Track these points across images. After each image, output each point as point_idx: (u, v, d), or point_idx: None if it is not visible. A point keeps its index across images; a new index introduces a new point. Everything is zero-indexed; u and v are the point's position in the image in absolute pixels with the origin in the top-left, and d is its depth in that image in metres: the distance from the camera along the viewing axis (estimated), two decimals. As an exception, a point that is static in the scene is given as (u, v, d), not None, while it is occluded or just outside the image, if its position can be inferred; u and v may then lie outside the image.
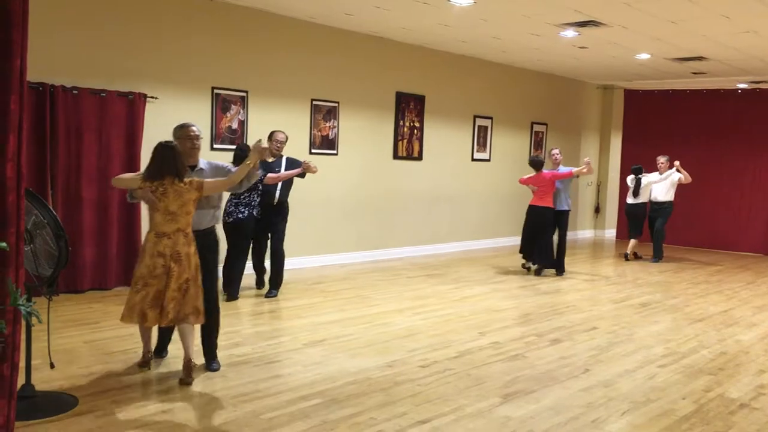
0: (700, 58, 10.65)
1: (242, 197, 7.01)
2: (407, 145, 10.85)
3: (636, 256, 11.61)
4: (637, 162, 12.18)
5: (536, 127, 13.43)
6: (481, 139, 12.21)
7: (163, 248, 4.50)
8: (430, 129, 11.18)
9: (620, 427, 4.17)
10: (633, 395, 4.73)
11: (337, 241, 9.93)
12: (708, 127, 13.51)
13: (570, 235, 13.64)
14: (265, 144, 5.04)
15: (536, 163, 9.72)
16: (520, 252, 9.89)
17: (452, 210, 11.76)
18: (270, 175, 7.11)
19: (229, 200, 7.04)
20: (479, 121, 12.11)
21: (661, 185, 11.27)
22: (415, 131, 10.95)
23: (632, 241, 11.43)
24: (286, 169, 7.27)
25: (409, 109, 10.80)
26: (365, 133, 10.17)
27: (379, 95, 10.36)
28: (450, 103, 11.49)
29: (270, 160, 7.20)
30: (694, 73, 12.23)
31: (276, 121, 8.75)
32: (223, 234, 6.57)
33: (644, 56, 10.76)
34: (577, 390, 4.79)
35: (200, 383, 4.63)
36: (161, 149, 4.56)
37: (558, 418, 4.23)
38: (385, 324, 6.49)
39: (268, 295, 7.41)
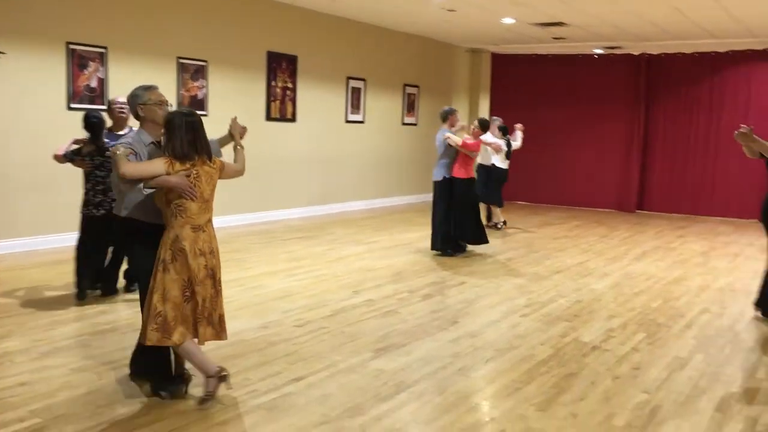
0: (560, 24, 11.16)
1: (109, 180, 5.49)
2: (280, 107, 10.70)
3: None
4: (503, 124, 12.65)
5: (408, 90, 13.63)
6: (355, 101, 12.25)
7: (203, 244, 3.69)
8: (304, 90, 11.08)
9: (484, 373, 4.41)
10: (497, 343, 5.01)
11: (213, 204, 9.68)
12: (567, 90, 14.26)
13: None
14: (237, 123, 4.19)
15: (485, 124, 8.79)
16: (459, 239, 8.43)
17: (327, 172, 11.77)
18: None
19: (91, 188, 5.67)
20: (352, 83, 12.12)
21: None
22: (288, 92, 10.81)
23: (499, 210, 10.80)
24: None
25: (281, 70, 10.63)
26: (236, 94, 9.92)
27: (249, 55, 10.11)
28: (323, 64, 11.41)
29: (120, 132, 5.84)
30: (555, 38, 12.82)
31: (139, 80, 8.22)
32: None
33: (509, 21, 11.14)
34: (446, 341, 5.01)
35: (74, 350, 4.43)
36: (190, 120, 3.64)
37: (427, 368, 4.42)
38: (259, 286, 6.46)
39: (129, 290, 5.99)
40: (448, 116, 8.33)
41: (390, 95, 13.16)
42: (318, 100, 11.39)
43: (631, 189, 13.85)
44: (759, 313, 5.94)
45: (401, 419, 3.65)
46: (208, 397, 3.70)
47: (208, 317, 3.72)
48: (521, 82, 14.70)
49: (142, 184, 3.62)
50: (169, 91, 8.87)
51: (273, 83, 10.51)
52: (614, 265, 8.11)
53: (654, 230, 11.23)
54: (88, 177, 5.68)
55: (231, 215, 9.97)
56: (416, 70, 13.79)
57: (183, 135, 3.60)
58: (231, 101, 9.78)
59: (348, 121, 12.16)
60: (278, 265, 7.44)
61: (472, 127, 8.58)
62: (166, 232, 3.65)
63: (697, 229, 11.47)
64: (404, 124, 13.56)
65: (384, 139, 13.08)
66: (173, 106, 3.87)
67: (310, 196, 11.51)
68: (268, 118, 10.48)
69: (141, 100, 3.83)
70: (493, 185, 10.55)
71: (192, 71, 9.25)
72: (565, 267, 7.91)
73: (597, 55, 14.10)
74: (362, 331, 5.19)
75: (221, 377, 3.73)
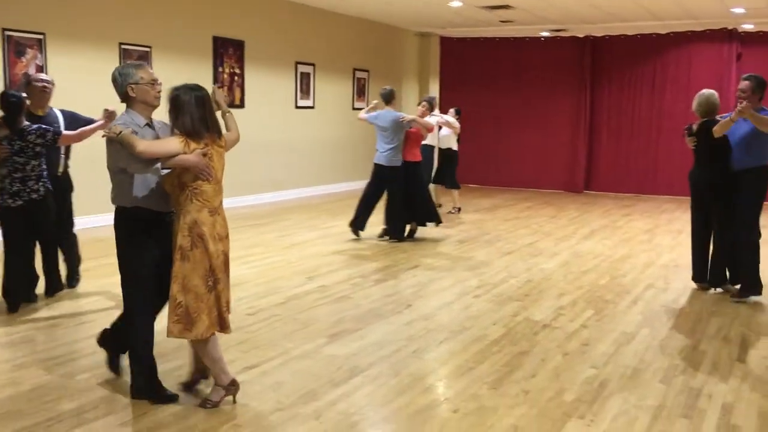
0: (506, 7, 11.24)
1: (29, 167, 5.02)
2: (228, 93, 10.53)
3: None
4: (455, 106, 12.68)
5: (358, 74, 13.57)
6: (304, 86, 12.14)
7: (220, 229, 3.48)
8: (252, 76, 10.92)
9: (438, 355, 4.45)
10: (450, 325, 5.06)
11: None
12: (516, 73, 14.40)
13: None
14: (220, 92, 3.97)
15: (434, 103, 9.10)
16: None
17: (277, 159, 11.65)
18: (66, 133, 5.17)
19: (7, 174, 4.99)
20: (301, 68, 12.00)
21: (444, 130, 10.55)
22: (236, 78, 10.65)
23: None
24: (67, 126, 5.34)
25: (228, 55, 10.46)
26: (182, 80, 9.57)
27: (195, 40, 9.91)
28: (271, 49, 11.26)
29: (40, 113, 5.36)
30: (503, 21, 12.91)
31: (80, 67, 8.12)
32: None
33: (457, 4, 11.17)
34: (400, 325, 5.04)
35: (6, 347, 4.31)
36: (199, 95, 3.42)
37: (382, 352, 4.43)
38: (210, 275, 6.37)
39: (71, 285, 5.79)
40: (393, 97, 8.22)
41: (340, 80, 13.09)
42: (267, 86, 11.25)
43: (578, 170, 14.10)
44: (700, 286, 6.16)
45: (355, 403, 3.66)
46: (209, 405, 3.52)
47: (227, 306, 3.55)
48: (470, 65, 14.79)
49: (159, 165, 3.36)
50: (109, 78, 8.63)
51: (220, 69, 10.34)
52: (563, 245, 8.26)
53: (601, 210, 11.47)
54: (2, 163, 4.98)
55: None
56: (366, 55, 13.73)
57: (193, 111, 3.38)
58: (177, 88, 9.58)
59: (298, 107, 12.05)
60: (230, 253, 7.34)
61: (420, 107, 8.59)
62: (180, 218, 3.38)
63: (643, 208, 11.77)
64: (355, 108, 13.51)
65: (335, 124, 13.01)
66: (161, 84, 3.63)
67: (262, 182, 11.39)
68: (216, 104, 10.30)
69: (132, 79, 3.51)
70: (451, 169, 10.68)
71: (135, 57, 9.01)
72: (515, 248, 8.02)
73: (543, 37, 14.26)
74: (315, 317, 5.18)
75: (231, 390, 3.57)
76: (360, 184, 14.43)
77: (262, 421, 3.44)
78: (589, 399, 3.77)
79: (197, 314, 3.38)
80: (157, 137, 3.50)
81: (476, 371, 4.15)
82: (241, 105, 10.80)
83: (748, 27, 12.52)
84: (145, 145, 3.30)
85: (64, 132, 5.17)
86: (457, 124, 10.51)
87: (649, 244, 8.37)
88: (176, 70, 9.62)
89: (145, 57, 9.11)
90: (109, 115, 4.91)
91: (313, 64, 12.24)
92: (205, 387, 3.71)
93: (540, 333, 4.91)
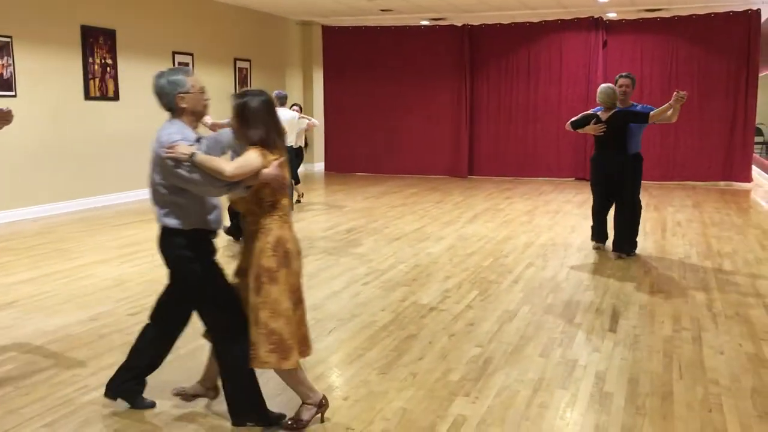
0: (386, -4, 11.35)
1: None
2: (100, 85, 10.04)
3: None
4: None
5: (240, 64, 13.29)
6: (183, 76, 11.73)
7: (298, 244, 3.22)
8: (126, 66, 10.45)
9: (328, 344, 4.46)
10: (339, 314, 5.07)
11: (26, 193, 8.93)
12: (398, 61, 14.56)
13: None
14: None
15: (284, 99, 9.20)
16: None
17: (158, 152, 11.23)
18: None
19: None
20: (179, 57, 11.60)
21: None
22: (108, 69, 10.15)
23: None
24: None
25: (98, 45, 9.95)
26: (50, 72, 9.17)
27: (61, 29, 9.36)
28: (146, 38, 10.81)
29: None
30: (383, 11, 13.02)
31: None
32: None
33: (337, -7, 11.15)
34: (289, 316, 4.99)
35: None
36: (269, 101, 3.12)
37: (270, 345, 4.38)
38: (87, 276, 6.07)
39: None
40: (286, 100, 8.56)
41: (220, 70, 12.76)
42: (143, 77, 10.77)
43: (461, 155, 14.48)
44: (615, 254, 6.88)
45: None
46: (300, 425, 3.26)
47: (306, 327, 3.30)
48: (353, 54, 14.82)
49: (242, 185, 3.04)
50: (-32, 70, 8.02)
51: (90, 60, 9.82)
52: (449, 229, 8.47)
53: (484, 193, 11.85)
54: None
55: (52, 203, 9.27)
56: (247, 44, 13.46)
57: (266, 119, 3.08)
58: (44, 80, 9.04)
59: (177, 98, 11.63)
60: (109, 252, 7.03)
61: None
62: (261, 237, 3.08)
63: (522, 191, 12.26)
64: (237, 99, 13.23)
65: (218, 115, 12.65)
66: None
67: (142, 177, 10.91)
68: (87, 97, 9.79)
69: (184, 87, 3.17)
70: (296, 165, 10.41)
71: (-6, 48, 8.41)
72: (403, 234, 8.15)
73: (423, 26, 14.50)
74: (202, 313, 5.04)
75: (323, 408, 3.33)
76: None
77: (145, 426, 3.32)
78: (474, 377, 3.89)
79: (292, 340, 3.12)
80: (206, 153, 3.14)
81: (365, 358, 4.19)
82: (116, 98, 10.32)
83: (611, 15, 13.27)
84: (233, 167, 2.97)
85: None
86: (316, 122, 10.83)
87: (529, 225, 8.73)
88: (42, 61, 9.07)
89: (4, 48, 8.52)
90: (5, 115, 4.10)
91: (191, 54, 11.87)
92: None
93: (427, 316, 5.02)
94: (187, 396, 3.54)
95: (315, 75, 15.55)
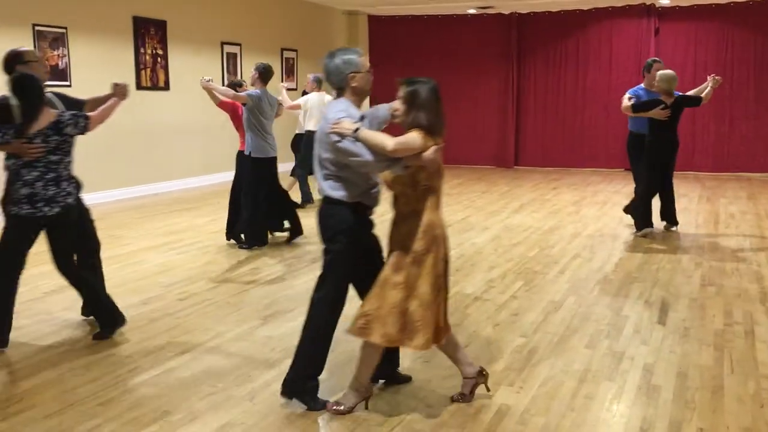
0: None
1: (62, 165, 4.09)
2: (152, 75, 10.24)
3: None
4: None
5: (287, 54, 13.39)
6: (231, 66, 11.90)
7: (446, 230, 3.35)
8: (176, 57, 10.64)
9: (372, 331, 4.48)
10: (384, 302, 5.09)
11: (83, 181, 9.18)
12: (444, 50, 14.45)
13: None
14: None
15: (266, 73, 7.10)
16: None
17: (204, 142, 11.41)
18: (93, 114, 4.21)
19: (39, 177, 3.99)
20: (227, 48, 11.76)
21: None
22: (159, 59, 10.35)
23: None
24: (68, 109, 4.31)
25: (149, 36, 10.14)
26: (102, 62, 9.38)
27: (113, 20, 9.57)
28: (195, 28, 10.98)
29: None
30: (430, -1, 12.94)
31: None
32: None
33: (383, -18, 11.13)
34: (334, 303, 5.04)
35: None
36: (435, 87, 3.25)
37: (315, 331, 4.44)
38: (139, 262, 6.23)
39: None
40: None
41: (268, 60, 12.81)
42: (192, 67, 10.96)
43: (508, 145, 14.34)
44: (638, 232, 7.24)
45: (290, 383, 3.65)
46: (465, 398, 3.44)
47: (445, 317, 3.39)
48: (399, 43, 14.77)
49: (402, 164, 3.14)
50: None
51: (142, 50, 10.02)
52: (494, 219, 8.41)
53: (530, 184, 11.72)
54: (31, 164, 3.97)
55: (106, 190, 9.51)
56: (293, 34, 13.55)
57: (433, 106, 3.21)
58: (97, 70, 9.25)
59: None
60: (158, 239, 7.20)
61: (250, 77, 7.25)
62: (412, 220, 3.18)
63: (570, 181, 12.08)
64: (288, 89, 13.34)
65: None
66: None
67: (191, 166, 11.15)
68: (139, 87, 10.00)
69: (356, 66, 3.28)
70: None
71: (50, 39, 8.65)
72: (448, 224, 8.06)
73: (470, 15, 14.37)
74: (247, 300, 5.13)
75: (482, 378, 3.46)
76: (291, 166, 14.24)
77: (193, 405, 3.40)
78: (518, 367, 3.87)
79: (421, 323, 3.15)
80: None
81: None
82: (166, 87, 10.52)
83: (664, 2, 12.93)
84: (395, 142, 3.09)
85: (91, 114, 4.21)
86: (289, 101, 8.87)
87: (576, 216, 8.61)
88: (95, 51, 9.30)
89: (60, 39, 8.76)
90: (122, 90, 4.41)
91: (239, 44, 12.01)
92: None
93: (471, 306, 5.00)
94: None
95: (361, 64, 15.54)
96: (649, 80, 7.29)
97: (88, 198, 4.61)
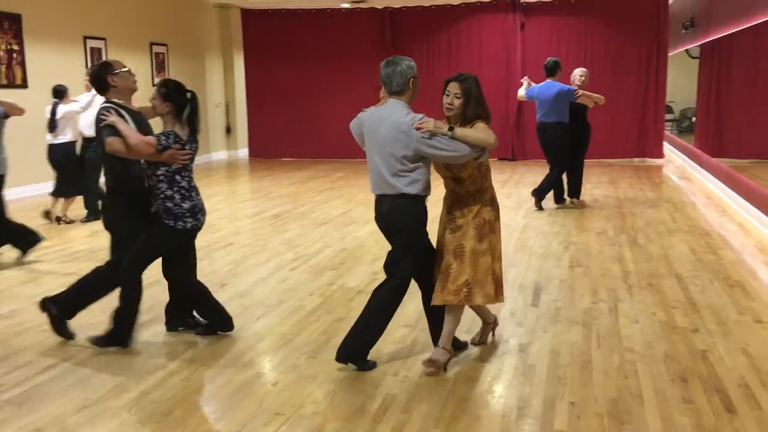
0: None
1: (192, 173, 4.19)
2: (7, 72, 9.56)
3: (60, 220, 7.91)
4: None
5: (156, 48, 12.90)
6: (95, 61, 11.31)
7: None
8: (34, 52, 9.99)
9: (256, 330, 4.43)
10: (267, 300, 5.04)
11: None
12: (319, 44, 14.43)
13: (204, 157, 13.72)
14: None
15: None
16: None
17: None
18: None
19: (188, 186, 4.07)
20: (91, 42, 11.17)
21: (88, 114, 7.62)
22: (15, 55, 9.68)
23: (61, 200, 7.96)
24: None
25: (3, 30, 9.46)
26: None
27: (-39, 13, 8.85)
28: (55, 23, 10.35)
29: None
30: (303, -7, 12.86)
31: None
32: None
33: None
34: (215, 305, 4.92)
35: None
36: (476, 79, 3.80)
37: (198, 336, 4.32)
38: None
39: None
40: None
41: (136, 55, 12.35)
42: (53, 64, 10.33)
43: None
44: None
45: (172, 388, 3.55)
46: (481, 342, 4.11)
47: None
48: (274, 38, 14.60)
49: (470, 152, 3.58)
50: None
51: (-5, 45, 9.34)
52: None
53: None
54: (178, 173, 4.00)
55: None
56: (163, 28, 13.07)
57: (483, 98, 3.71)
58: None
59: (91, 85, 11.21)
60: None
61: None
62: (481, 195, 3.74)
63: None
64: (155, 85, 12.85)
65: (135, 102, 12.26)
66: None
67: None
68: (-6, 85, 9.32)
69: (415, 71, 3.73)
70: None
71: None
72: (330, 218, 8.14)
73: (344, 9, 14.41)
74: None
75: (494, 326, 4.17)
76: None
77: (66, 421, 3.22)
78: (402, 356, 3.95)
79: (501, 279, 3.84)
80: None
81: (294, 342, 4.19)
82: (24, 85, 9.86)
83: (529, -2, 13.54)
84: (492, 135, 3.60)
85: None
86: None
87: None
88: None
89: None
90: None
91: (104, 39, 11.44)
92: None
93: (355, 299, 5.04)
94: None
95: (236, 59, 15.26)
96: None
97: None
